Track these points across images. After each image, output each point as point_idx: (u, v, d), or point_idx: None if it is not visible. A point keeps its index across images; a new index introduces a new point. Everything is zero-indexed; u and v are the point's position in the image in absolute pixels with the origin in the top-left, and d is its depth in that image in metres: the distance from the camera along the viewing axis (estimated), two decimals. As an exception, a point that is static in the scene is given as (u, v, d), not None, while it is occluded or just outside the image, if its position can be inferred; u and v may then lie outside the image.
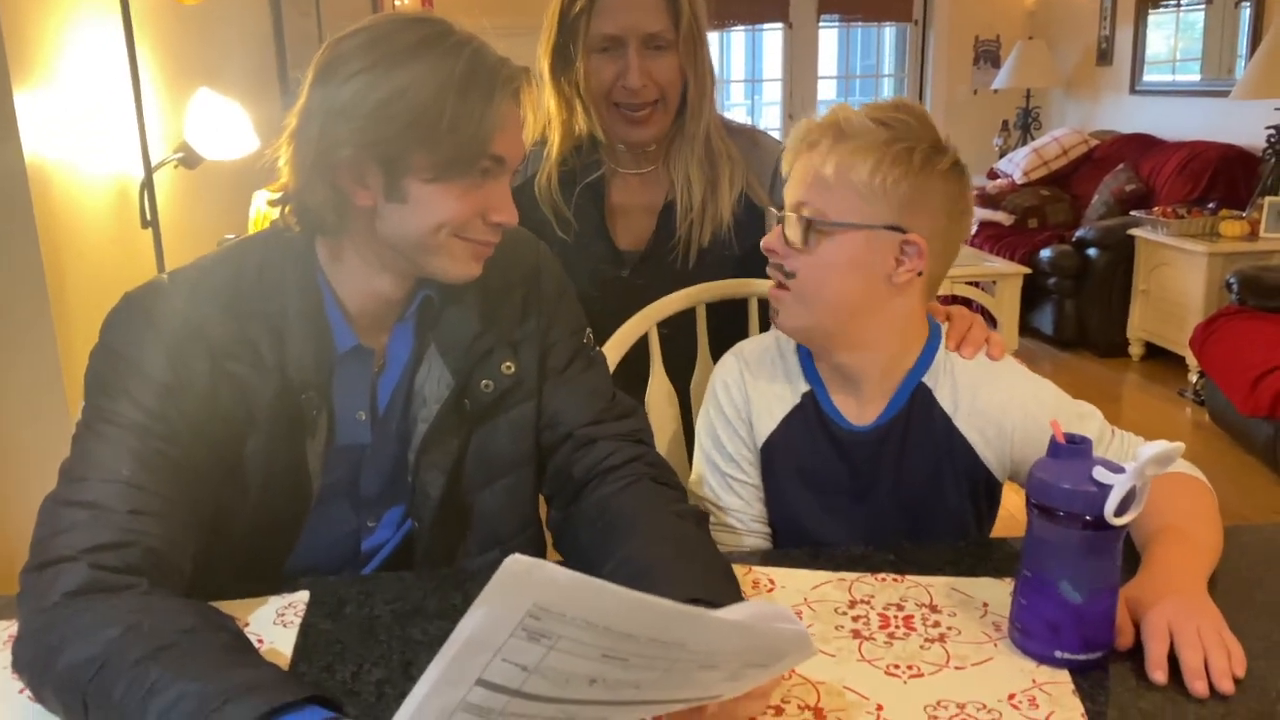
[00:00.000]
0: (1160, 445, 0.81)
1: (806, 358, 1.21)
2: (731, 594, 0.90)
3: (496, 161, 0.99)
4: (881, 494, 1.18)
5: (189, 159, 2.40)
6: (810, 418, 1.19)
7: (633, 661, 0.61)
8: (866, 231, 1.08)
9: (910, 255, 1.09)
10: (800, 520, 1.20)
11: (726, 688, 0.72)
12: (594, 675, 0.61)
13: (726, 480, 1.22)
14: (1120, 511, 0.83)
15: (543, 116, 1.57)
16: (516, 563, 0.54)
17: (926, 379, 1.16)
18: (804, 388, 1.20)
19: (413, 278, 1.05)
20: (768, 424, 1.20)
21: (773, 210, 1.17)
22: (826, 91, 7.09)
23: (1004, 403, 1.14)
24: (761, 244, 1.14)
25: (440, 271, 1.02)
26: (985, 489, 1.19)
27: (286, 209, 1.02)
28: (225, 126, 2.43)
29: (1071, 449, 0.87)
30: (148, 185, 2.28)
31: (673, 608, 0.60)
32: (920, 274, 1.11)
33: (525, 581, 0.54)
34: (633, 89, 1.48)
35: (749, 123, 1.66)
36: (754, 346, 1.26)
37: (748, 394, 1.22)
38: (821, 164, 1.09)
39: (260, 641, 0.94)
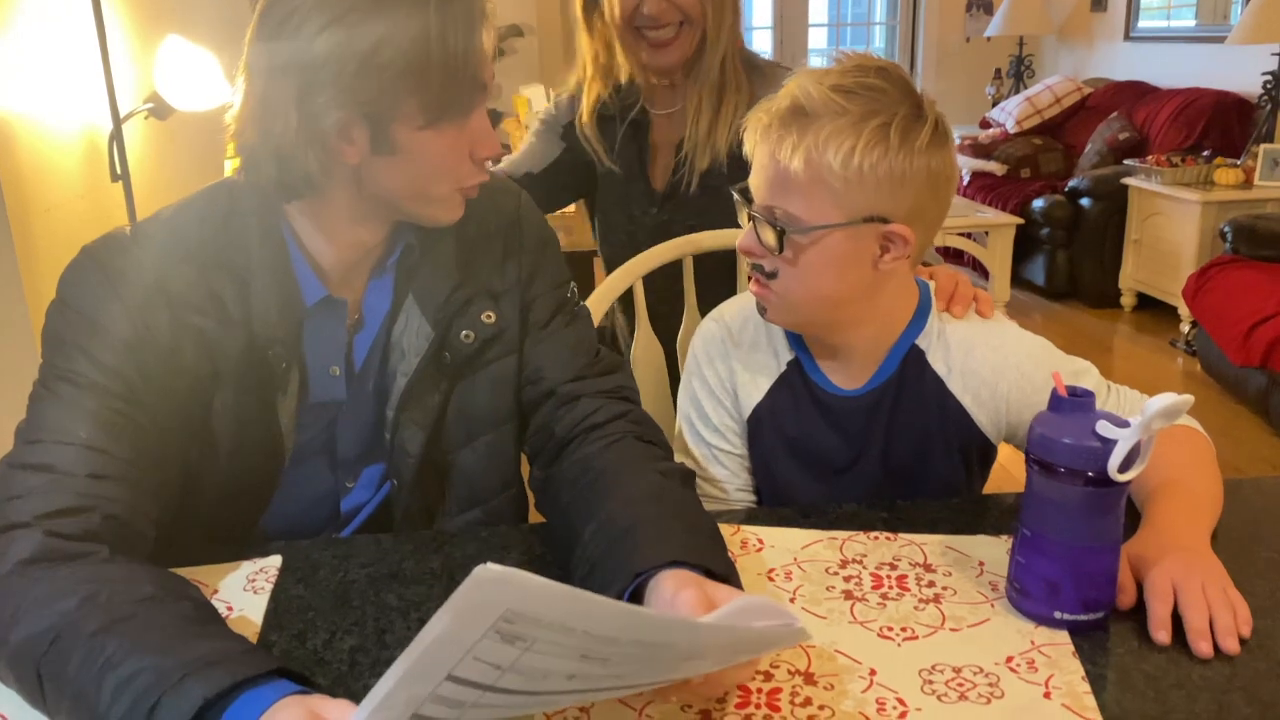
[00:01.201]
0: (1168, 398, 0.77)
1: None
2: (717, 555, 0.86)
3: (483, 89, 0.95)
4: (872, 461, 1.14)
5: (159, 109, 2.32)
6: (797, 385, 1.14)
7: (614, 660, 0.58)
8: (847, 228, 1.01)
9: (895, 244, 1.02)
10: (789, 489, 1.16)
11: (713, 668, 0.69)
12: (572, 672, 0.58)
13: (712, 451, 1.18)
14: (1125, 467, 0.79)
15: (578, 65, 1.65)
16: (487, 571, 0.49)
17: (920, 341, 1.11)
18: (789, 355, 1.15)
19: (390, 223, 1.01)
20: (754, 394, 1.16)
21: (738, 197, 1.08)
22: (818, 40, 6.98)
23: (998, 364, 1.10)
24: (737, 246, 1.07)
25: (430, 218, 0.99)
26: (979, 452, 1.15)
27: (259, 170, 0.96)
28: (197, 76, 2.35)
29: (1074, 402, 0.84)
30: (117, 137, 2.21)
31: (656, 617, 0.57)
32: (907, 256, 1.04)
33: (496, 591, 0.50)
34: (651, 16, 1.50)
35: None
36: (735, 310, 1.20)
37: (731, 365, 1.17)
38: (787, 158, 0.98)
39: (230, 609, 0.90)
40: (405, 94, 0.90)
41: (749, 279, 1.09)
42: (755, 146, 1.04)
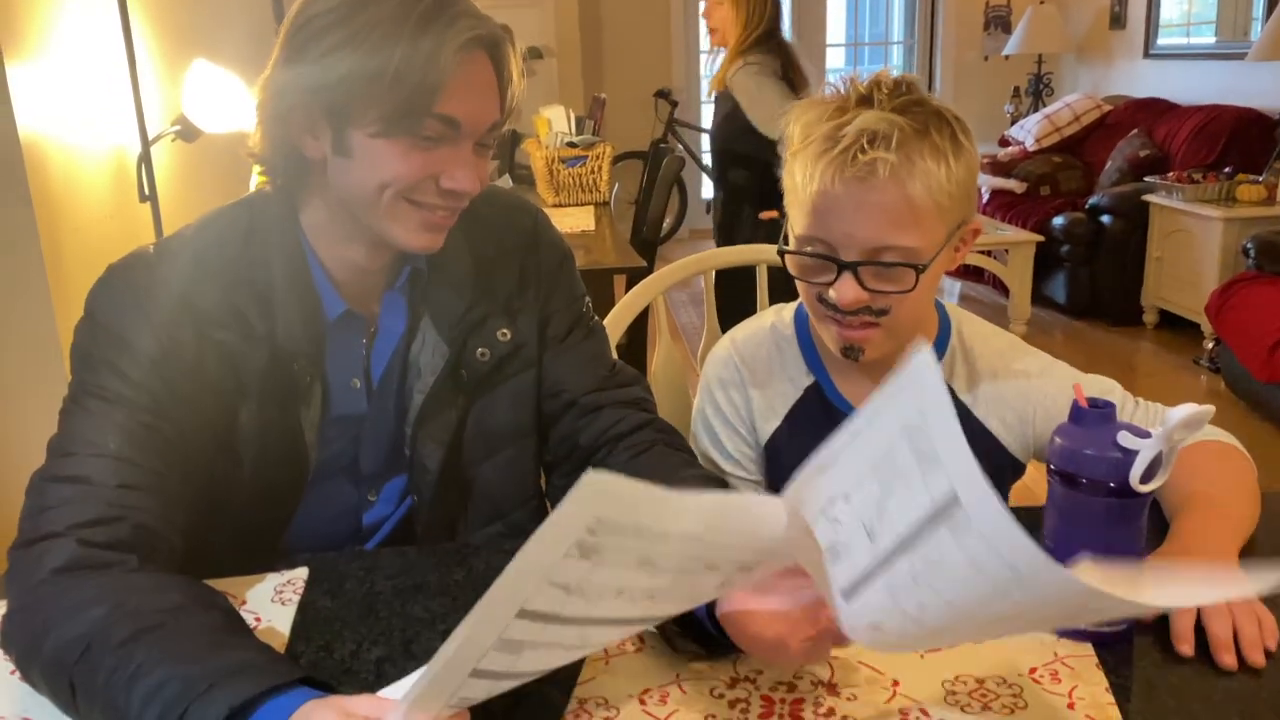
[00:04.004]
0: (1189, 408, 0.77)
1: (808, 346, 1.15)
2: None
3: (447, 123, 0.92)
4: None
5: (187, 132, 2.37)
6: (816, 410, 1.14)
7: (659, 565, 0.59)
8: (950, 240, 1.02)
9: (969, 239, 1.05)
10: None
11: (719, 592, 0.71)
12: (621, 586, 0.59)
13: (728, 479, 1.18)
14: (1146, 478, 0.79)
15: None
16: (595, 475, 0.50)
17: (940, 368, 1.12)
18: (807, 380, 1.14)
19: (374, 243, 1.01)
20: (771, 422, 1.15)
21: (815, 260, 1.02)
22: (835, 60, 7.01)
23: (1023, 387, 1.11)
24: (843, 304, 1.00)
25: (394, 239, 0.97)
26: (1011, 471, 1.15)
27: (272, 173, 1.00)
28: (223, 98, 2.39)
29: (1095, 414, 0.84)
30: (145, 159, 2.25)
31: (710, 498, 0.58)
32: None
33: (599, 495, 0.51)
34: None
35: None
36: (747, 337, 1.19)
37: (747, 393, 1.16)
38: (899, 194, 0.96)
39: (258, 620, 0.91)
40: (358, 94, 0.90)
41: (834, 325, 1.05)
42: (843, 192, 0.98)
